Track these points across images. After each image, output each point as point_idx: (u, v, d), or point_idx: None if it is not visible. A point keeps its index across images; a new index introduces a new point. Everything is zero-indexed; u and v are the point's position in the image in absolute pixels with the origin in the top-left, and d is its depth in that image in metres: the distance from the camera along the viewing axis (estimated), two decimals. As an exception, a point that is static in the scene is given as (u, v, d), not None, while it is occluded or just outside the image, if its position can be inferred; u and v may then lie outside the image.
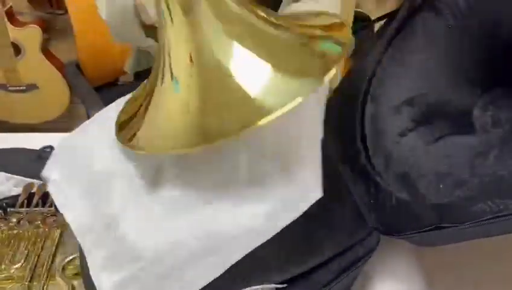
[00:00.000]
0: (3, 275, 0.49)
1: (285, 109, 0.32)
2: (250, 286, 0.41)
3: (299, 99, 0.33)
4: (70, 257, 0.51)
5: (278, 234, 0.45)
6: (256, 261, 0.43)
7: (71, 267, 0.51)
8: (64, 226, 0.55)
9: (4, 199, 0.57)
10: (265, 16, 0.38)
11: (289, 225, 0.47)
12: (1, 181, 0.59)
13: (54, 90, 1.66)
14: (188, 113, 0.36)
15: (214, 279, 0.40)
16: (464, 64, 0.52)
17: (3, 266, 0.50)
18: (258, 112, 0.33)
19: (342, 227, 0.49)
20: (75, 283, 0.49)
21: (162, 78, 0.38)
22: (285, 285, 0.42)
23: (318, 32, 0.41)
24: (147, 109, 0.40)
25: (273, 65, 0.36)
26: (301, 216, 0.49)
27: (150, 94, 0.40)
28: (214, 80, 0.36)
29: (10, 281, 0.49)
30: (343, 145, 0.58)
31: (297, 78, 0.36)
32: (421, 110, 0.54)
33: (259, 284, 0.41)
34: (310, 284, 0.43)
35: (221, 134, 0.34)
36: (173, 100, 0.37)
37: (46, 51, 1.62)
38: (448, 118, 0.53)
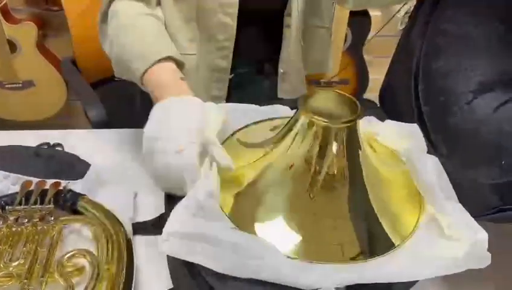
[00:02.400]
0: (2, 273, 0.49)
1: None
2: None
3: None
4: (69, 254, 0.51)
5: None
6: None
7: (70, 264, 0.50)
8: (62, 223, 0.55)
9: (2, 197, 0.57)
10: None
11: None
12: (-2, 179, 0.59)
13: (51, 86, 1.65)
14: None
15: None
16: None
17: (2, 264, 0.49)
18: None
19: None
20: (74, 280, 0.49)
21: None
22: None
23: None
24: None
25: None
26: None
27: None
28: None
29: (9, 278, 0.48)
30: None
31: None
32: (483, 79, 0.51)
33: None
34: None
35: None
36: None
37: (42, 47, 1.61)
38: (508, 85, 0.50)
